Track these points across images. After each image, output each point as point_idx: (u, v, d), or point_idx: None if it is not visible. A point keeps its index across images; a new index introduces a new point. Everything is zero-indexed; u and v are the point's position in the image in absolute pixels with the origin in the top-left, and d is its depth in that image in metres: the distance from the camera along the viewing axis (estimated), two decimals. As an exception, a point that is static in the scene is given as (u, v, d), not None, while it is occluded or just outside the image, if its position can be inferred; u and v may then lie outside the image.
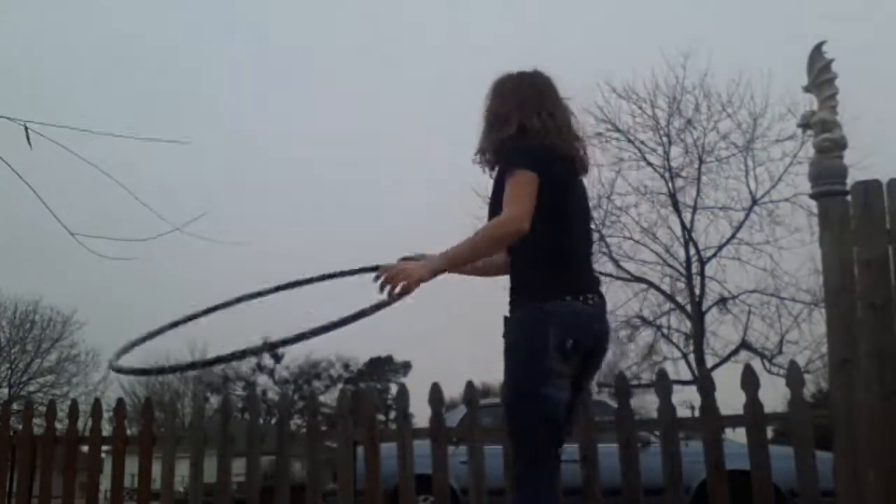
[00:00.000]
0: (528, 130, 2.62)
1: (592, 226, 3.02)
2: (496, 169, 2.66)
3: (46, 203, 3.80)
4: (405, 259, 2.61)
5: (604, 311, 2.64)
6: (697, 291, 16.88)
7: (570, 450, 4.57)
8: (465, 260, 2.52)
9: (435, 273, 2.43)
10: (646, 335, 17.94)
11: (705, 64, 16.79)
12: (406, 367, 42.82)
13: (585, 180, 2.77)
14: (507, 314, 2.56)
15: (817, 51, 3.69)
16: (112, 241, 4.02)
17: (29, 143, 3.53)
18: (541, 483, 2.45)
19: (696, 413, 4.71)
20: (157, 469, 5.27)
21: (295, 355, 40.46)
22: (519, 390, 2.48)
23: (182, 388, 37.96)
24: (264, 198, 43.68)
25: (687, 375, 16.68)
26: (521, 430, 2.48)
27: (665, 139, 16.92)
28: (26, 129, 3.53)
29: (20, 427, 5.85)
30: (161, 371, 2.68)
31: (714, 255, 16.91)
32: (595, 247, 16.97)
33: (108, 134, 4.04)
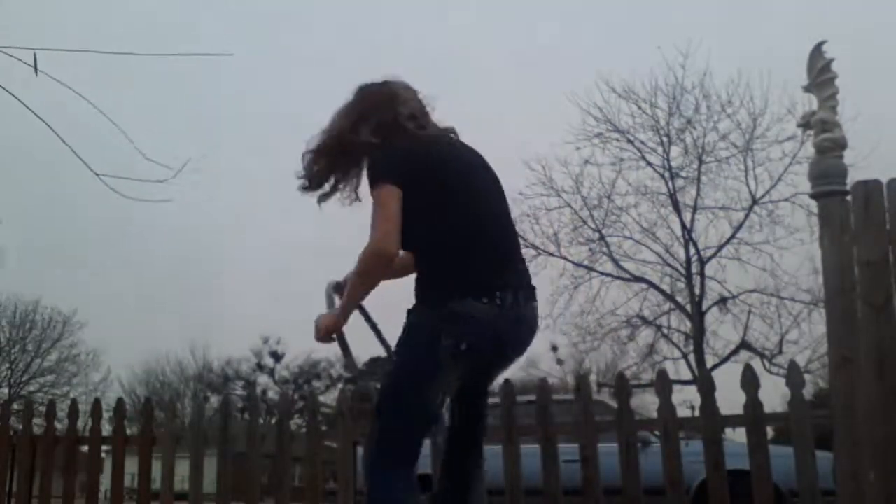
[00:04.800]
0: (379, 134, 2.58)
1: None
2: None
3: (68, 143, 3.73)
4: (337, 286, 2.72)
5: (518, 310, 2.46)
6: (697, 291, 16.89)
7: (571, 450, 4.60)
8: (357, 299, 2.54)
9: (340, 320, 2.55)
10: (646, 335, 17.98)
11: (705, 64, 16.83)
12: (406, 367, 42.69)
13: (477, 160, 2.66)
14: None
15: (817, 50, 3.69)
16: (134, 182, 3.92)
17: (35, 70, 3.47)
18: (387, 469, 2.48)
19: (696, 413, 4.70)
20: (157, 469, 5.27)
21: (295, 355, 40.50)
22: (395, 393, 2.48)
23: (182, 388, 37.98)
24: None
25: (687, 375, 16.70)
26: (387, 429, 2.48)
27: (665, 139, 16.94)
28: (35, 57, 3.48)
29: (20, 427, 5.85)
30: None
31: (714, 255, 16.93)
32: (595, 246, 17.13)
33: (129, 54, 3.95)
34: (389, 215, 2.39)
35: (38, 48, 3.48)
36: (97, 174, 3.85)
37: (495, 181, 2.65)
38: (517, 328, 2.47)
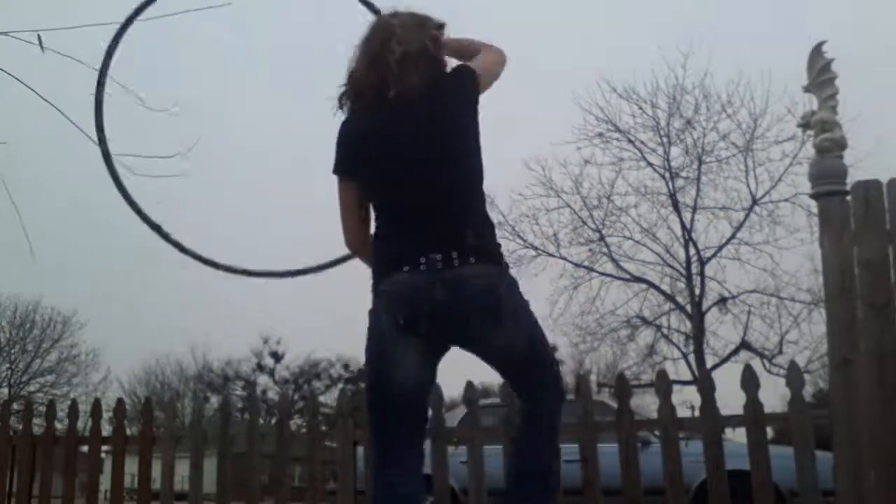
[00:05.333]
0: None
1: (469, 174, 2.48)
2: None
3: (77, 124, 3.69)
4: None
5: (454, 269, 2.32)
6: (697, 291, 16.89)
7: (571, 450, 4.61)
8: None
9: None
10: (646, 335, 17.98)
11: (705, 64, 16.84)
12: (406, 367, 42.65)
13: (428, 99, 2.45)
14: None
15: (817, 50, 3.69)
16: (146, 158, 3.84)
17: (41, 47, 3.47)
18: (380, 468, 2.47)
19: (696, 413, 4.70)
20: (157, 469, 5.27)
21: (295, 355, 40.51)
22: (367, 382, 2.48)
23: (182, 388, 38.00)
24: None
25: (687, 375, 16.71)
26: (369, 417, 2.50)
27: (665, 139, 16.95)
28: (39, 38, 3.48)
29: (20, 427, 5.85)
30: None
31: (714, 256, 16.94)
32: (595, 246, 17.14)
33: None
34: (342, 204, 2.54)
35: (41, 29, 3.48)
36: (110, 154, 3.81)
37: (441, 137, 2.45)
38: (457, 287, 2.31)
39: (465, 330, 2.38)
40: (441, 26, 2.63)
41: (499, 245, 2.50)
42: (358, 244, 2.55)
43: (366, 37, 2.58)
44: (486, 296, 2.34)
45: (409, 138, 2.44)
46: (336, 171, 2.52)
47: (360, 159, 2.49)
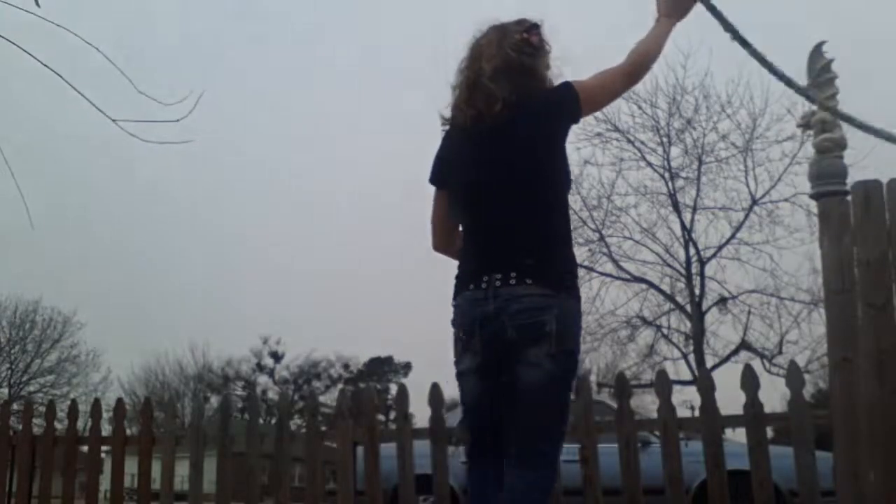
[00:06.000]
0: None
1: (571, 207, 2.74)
2: None
3: (82, 92, 3.65)
4: None
5: (509, 289, 2.39)
6: (697, 291, 16.88)
7: (571, 450, 4.61)
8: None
9: None
10: (646, 335, 17.97)
11: (705, 64, 16.83)
12: (406, 367, 42.87)
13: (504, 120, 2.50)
14: None
15: (817, 50, 3.69)
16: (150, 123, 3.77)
17: (37, 2, 3.45)
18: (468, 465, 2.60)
19: (696, 413, 4.71)
20: (156, 469, 5.27)
21: (295, 355, 40.56)
22: None
23: (182, 388, 38.02)
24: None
25: (687, 375, 16.69)
26: None
27: (665, 139, 16.92)
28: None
29: (20, 427, 5.85)
30: None
31: (714, 256, 16.92)
32: (595, 246, 17.13)
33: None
34: (431, 217, 2.72)
35: None
36: (114, 120, 3.77)
37: (517, 163, 2.49)
38: (507, 303, 2.38)
39: (506, 345, 2.42)
40: (531, 28, 2.62)
41: (567, 272, 2.48)
42: (442, 249, 2.74)
43: (463, 58, 2.65)
44: (531, 313, 2.38)
45: (485, 161, 2.53)
46: (430, 181, 2.70)
47: (446, 176, 2.65)
